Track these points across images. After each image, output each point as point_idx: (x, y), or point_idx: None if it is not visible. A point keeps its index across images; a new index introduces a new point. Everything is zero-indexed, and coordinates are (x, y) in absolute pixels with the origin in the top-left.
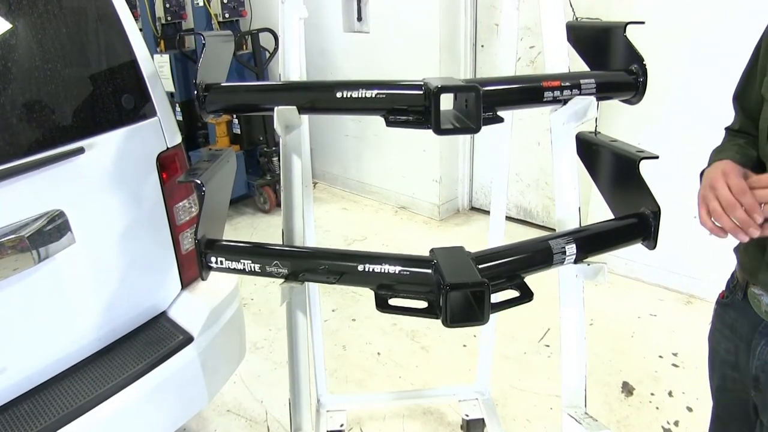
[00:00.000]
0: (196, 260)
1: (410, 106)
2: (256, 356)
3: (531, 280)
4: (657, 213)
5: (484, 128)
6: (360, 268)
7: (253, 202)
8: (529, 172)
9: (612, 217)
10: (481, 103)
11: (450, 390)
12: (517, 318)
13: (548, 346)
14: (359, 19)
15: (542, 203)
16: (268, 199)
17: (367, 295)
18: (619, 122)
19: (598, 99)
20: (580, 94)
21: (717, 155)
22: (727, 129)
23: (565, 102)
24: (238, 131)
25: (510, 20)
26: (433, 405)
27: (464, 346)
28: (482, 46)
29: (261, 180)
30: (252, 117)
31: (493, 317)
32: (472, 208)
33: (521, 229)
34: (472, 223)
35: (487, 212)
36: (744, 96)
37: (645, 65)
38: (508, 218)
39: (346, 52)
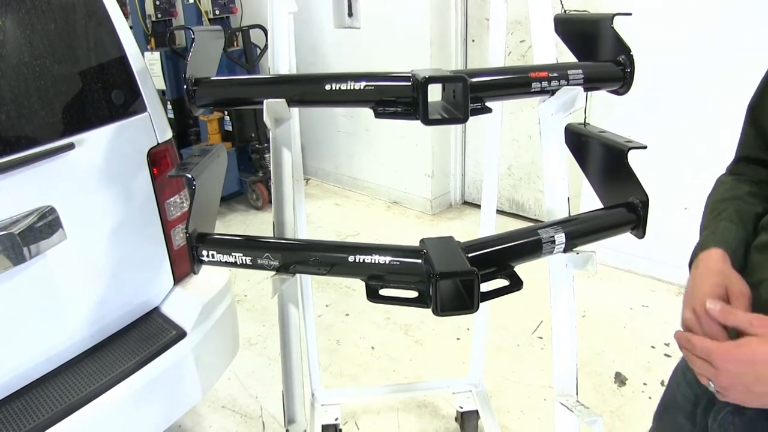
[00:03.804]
0: (188, 254)
1: (399, 98)
2: (250, 352)
3: (523, 274)
4: (645, 202)
5: (475, 122)
6: (350, 259)
7: (246, 199)
8: (521, 165)
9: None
10: (469, 93)
11: (444, 383)
12: (510, 310)
13: (541, 338)
14: (350, 14)
15: (534, 196)
16: (261, 196)
17: (360, 290)
18: (610, 114)
19: (586, 89)
20: (567, 85)
21: (710, 226)
22: (733, 162)
23: (552, 93)
24: (230, 128)
25: (499, 13)
26: (428, 398)
27: (458, 339)
28: (473, 40)
29: (253, 177)
30: (243, 114)
31: (486, 310)
32: (465, 203)
33: (513, 223)
34: (464, 218)
35: (480, 206)
36: (763, 108)
37: (632, 56)
38: (501, 212)
39: (337, 48)
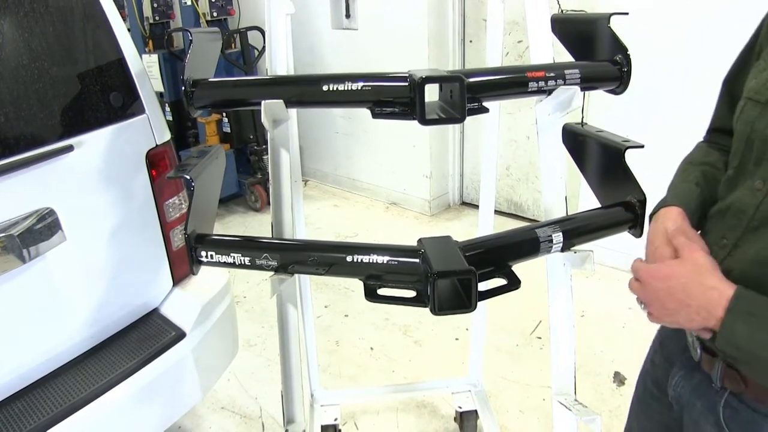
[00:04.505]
0: (187, 255)
1: (396, 98)
2: (249, 353)
3: (522, 273)
4: (643, 201)
5: (472, 122)
6: (348, 258)
7: (245, 201)
8: (519, 166)
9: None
10: (466, 93)
11: (443, 383)
12: (509, 311)
13: (540, 338)
14: (347, 16)
15: (532, 197)
16: (260, 198)
17: (359, 290)
18: (608, 113)
19: (583, 89)
20: (564, 84)
21: (677, 186)
22: (708, 131)
23: (549, 92)
24: (228, 130)
25: (496, 14)
26: (427, 398)
27: (456, 339)
28: (470, 41)
29: (252, 178)
30: (242, 115)
31: (485, 310)
32: (463, 203)
33: (512, 223)
34: (463, 218)
35: (478, 207)
36: (736, 81)
37: (629, 55)
38: (499, 212)
39: (334, 49)
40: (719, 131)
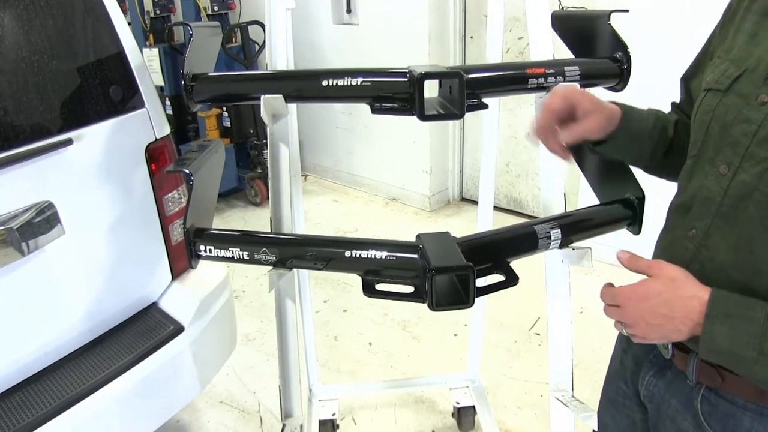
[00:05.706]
0: (186, 249)
1: (395, 94)
2: (248, 348)
3: (521, 270)
4: (642, 199)
5: (473, 118)
6: (347, 254)
7: (245, 196)
8: (519, 162)
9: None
10: (465, 89)
11: (441, 378)
12: (508, 307)
13: (538, 334)
14: (348, 11)
15: (532, 193)
16: (259, 192)
17: (358, 286)
18: None
19: (583, 86)
20: (564, 81)
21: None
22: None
23: (549, 89)
24: (229, 124)
25: (497, 10)
26: (425, 393)
27: (455, 335)
28: (471, 37)
29: (252, 173)
30: (242, 110)
31: (484, 306)
32: (463, 199)
33: (512, 219)
34: (462, 214)
35: (478, 203)
36: (693, 78)
37: (629, 53)
38: (499, 208)
39: (335, 45)
40: (678, 107)
